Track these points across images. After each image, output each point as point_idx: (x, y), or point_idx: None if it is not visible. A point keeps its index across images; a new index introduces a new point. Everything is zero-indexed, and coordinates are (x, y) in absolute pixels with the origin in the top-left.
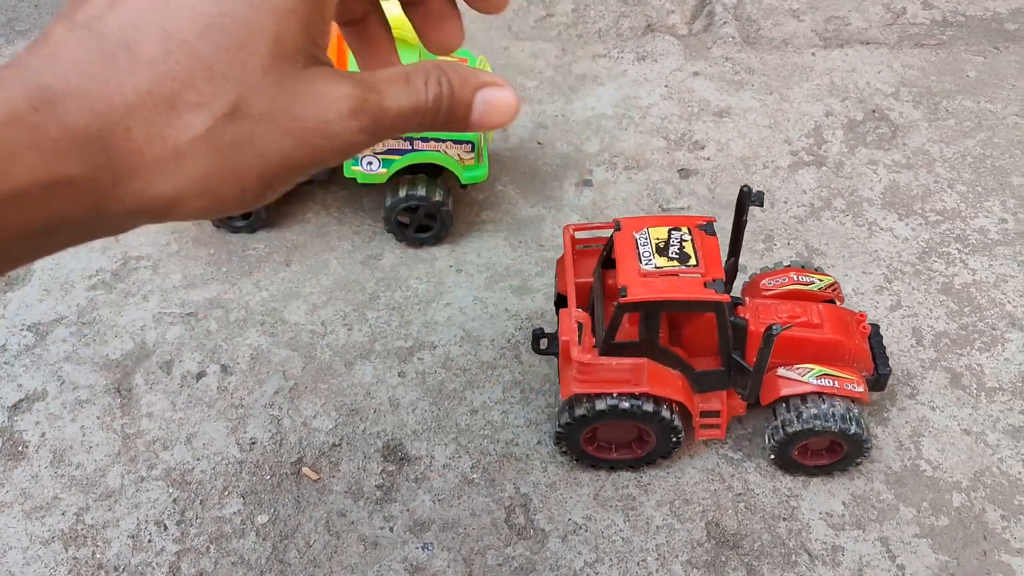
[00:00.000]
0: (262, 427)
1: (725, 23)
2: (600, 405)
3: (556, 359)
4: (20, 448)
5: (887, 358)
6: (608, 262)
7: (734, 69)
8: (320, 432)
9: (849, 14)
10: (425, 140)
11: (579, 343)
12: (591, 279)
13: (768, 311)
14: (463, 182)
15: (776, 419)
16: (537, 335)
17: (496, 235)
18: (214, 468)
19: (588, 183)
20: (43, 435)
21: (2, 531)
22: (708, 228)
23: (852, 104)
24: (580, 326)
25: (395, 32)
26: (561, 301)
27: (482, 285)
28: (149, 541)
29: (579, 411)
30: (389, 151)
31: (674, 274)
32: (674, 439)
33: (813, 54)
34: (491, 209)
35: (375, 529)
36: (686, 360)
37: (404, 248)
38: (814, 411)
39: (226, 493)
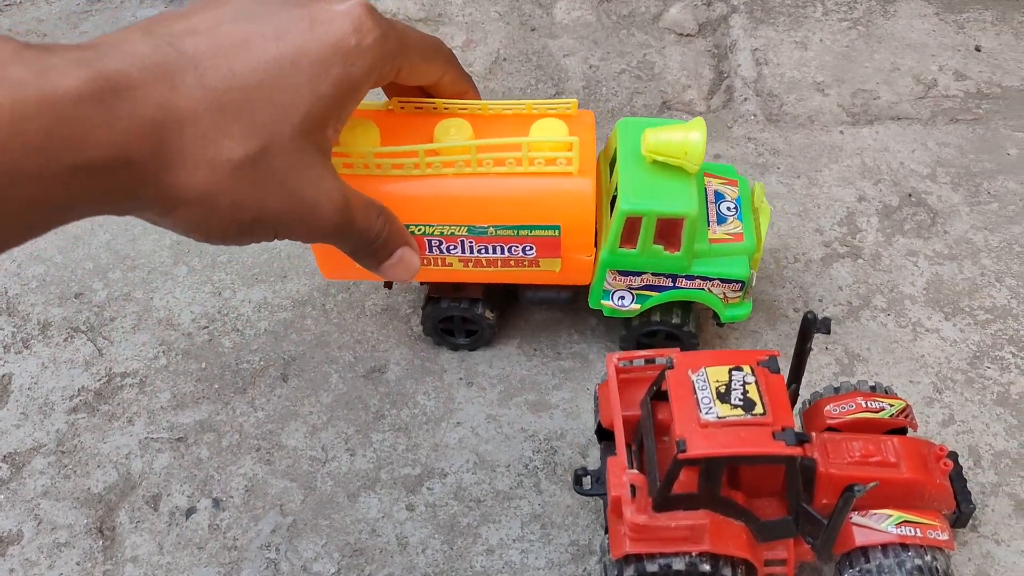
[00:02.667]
0: (257, 573)
1: (745, 99)
2: (651, 567)
3: (595, 498)
4: None
5: (969, 493)
6: (658, 394)
7: (758, 150)
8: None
9: (877, 87)
10: (690, 278)
11: (632, 501)
12: (637, 411)
13: (838, 449)
14: (723, 320)
15: (852, 570)
16: (579, 475)
17: (509, 342)
18: None
19: None
20: None
21: None
22: (772, 365)
23: (886, 187)
24: (634, 489)
25: (674, 160)
26: (602, 431)
27: (495, 400)
28: None
29: (628, 572)
30: (647, 287)
31: (738, 425)
32: None
33: (841, 132)
34: (503, 313)
35: None
36: (748, 509)
37: (411, 359)
38: (894, 563)
39: None
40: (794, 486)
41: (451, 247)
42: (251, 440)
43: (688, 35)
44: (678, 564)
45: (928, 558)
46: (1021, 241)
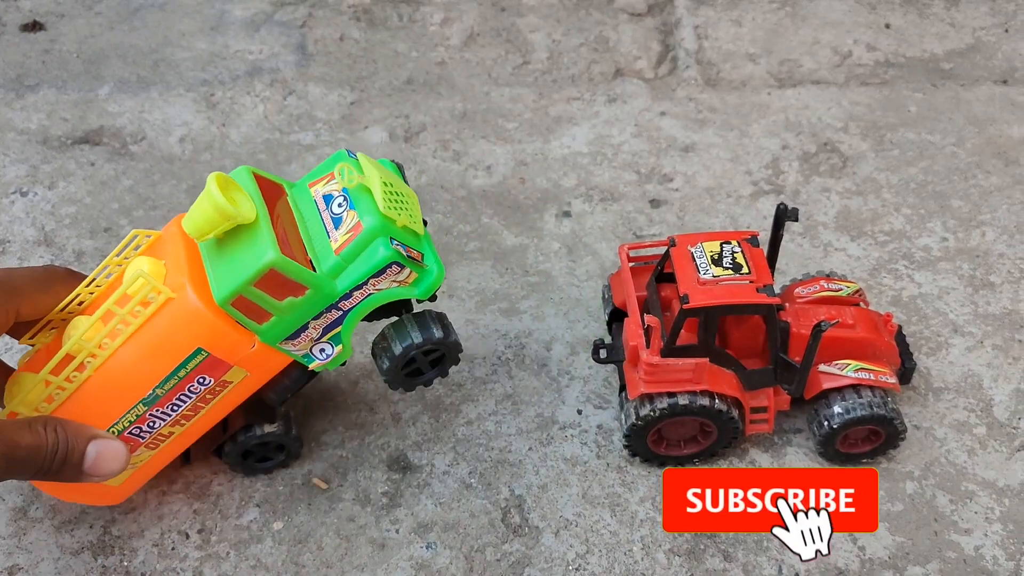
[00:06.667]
0: None
1: (688, 67)
2: (661, 403)
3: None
4: None
5: (911, 353)
6: (662, 276)
7: (697, 109)
8: (329, 446)
9: (800, 57)
10: (348, 296)
11: (648, 346)
12: (644, 293)
13: (807, 314)
14: (423, 298)
15: (820, 413)
16: (597, 345)
17: (484, 263)
18: (231, 481)
19: (567, 214)
20: None
21: (34, 544)
22: (753, 241)
23: (806, 138)
24: (650, 329)
25: (225, 225)
26: (615, 315)
27: (473, 308)
28: (173, 549)
29: (643, 411)
30: (327, 328)
31: (730, 281)
32: (733, 430)
33: (769, 94)
34: (478, 240)
35: (382, 532)
36: (737, 360)
37: None
38: (854, 402)
39: (243, 503)
40: (773, 335)
41: (151, 424)
42: None
43: (639, 15)
44: (683, 400)
45: (880, 397)
46: (917, 179)
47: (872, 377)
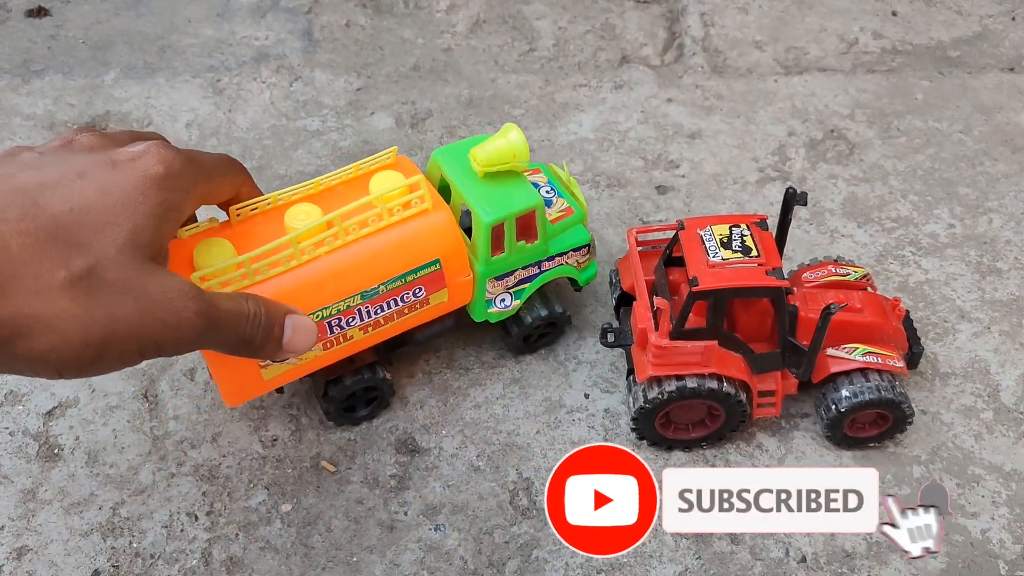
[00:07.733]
0: (282, 425)
1: (694, 54)
2: (670, 386)
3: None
4: (56, 451)
5: (919, 338)
6: (670, 260)
7: (704, 96)
8: (337, 429)
9: (807, 44)
10: (551, 259)
11: (656, 329)
12: (652, 277)
13: (815, 298)
14: (582, 284)
15: (828, 396)
16: (605, 329)
17: None
18: (239, 463)
19: None
20: (77, 438)
21: (43, 526)
22: (762, 224)
23: (812, 125)
24: (659, 311)
25: (505, 165)
26: (623, 299)
27: None
28: (182, 530)
29: (652, 394)
30: (520, 282)
31: (739, 264)
32: (741, 413)
33: (775, 81)
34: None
35: (391, 514)
36: (745, 343)
37: None
38: (862, 386)
39: (252, 485)
40: (782, 318)
41: (350, 319)
42: None
43: (645, 2)
44: (691, 383)
45: (888, 381)
46: (923, 166)
47: (880, 361)
